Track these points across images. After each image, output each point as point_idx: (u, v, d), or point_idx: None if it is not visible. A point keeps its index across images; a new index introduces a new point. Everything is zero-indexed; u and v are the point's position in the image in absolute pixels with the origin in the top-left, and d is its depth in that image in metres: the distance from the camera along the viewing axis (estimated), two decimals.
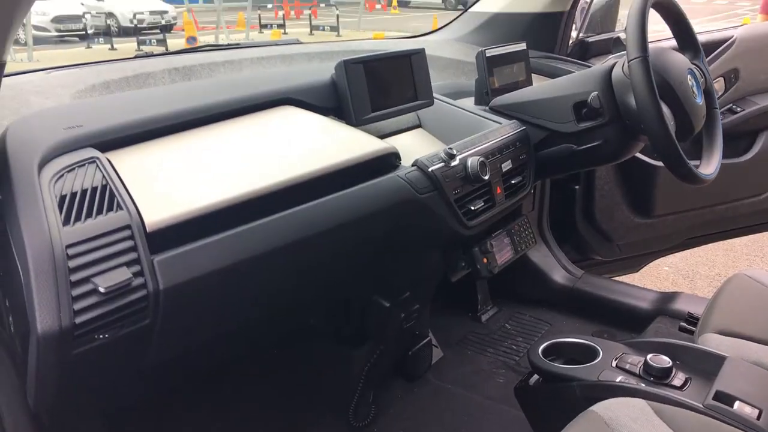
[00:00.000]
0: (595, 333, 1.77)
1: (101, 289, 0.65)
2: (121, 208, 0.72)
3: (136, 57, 1.44)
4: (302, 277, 0.97)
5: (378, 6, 17.22)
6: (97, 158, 0.78)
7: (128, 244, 0.70)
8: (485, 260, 1.27)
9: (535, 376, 1.22)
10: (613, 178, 1.93)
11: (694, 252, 2.87)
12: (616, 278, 2.11)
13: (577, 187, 1.95)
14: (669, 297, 1.74)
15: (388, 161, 1.05)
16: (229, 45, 1.65)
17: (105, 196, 0.73)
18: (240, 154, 0.90)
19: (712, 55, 1.98)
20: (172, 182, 0.80)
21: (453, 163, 1.10)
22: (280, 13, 13.16)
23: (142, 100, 1.02)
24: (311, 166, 0.91)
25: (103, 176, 0.75)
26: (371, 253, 1.07)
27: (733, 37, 2.06)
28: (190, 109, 0.97)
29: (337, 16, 11.88)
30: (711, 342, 1.16)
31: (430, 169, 1.06)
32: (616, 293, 1.81)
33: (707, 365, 1.07)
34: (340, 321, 1.31)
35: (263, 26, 12.17)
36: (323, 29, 12.17)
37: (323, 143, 0.99)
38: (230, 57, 1.45)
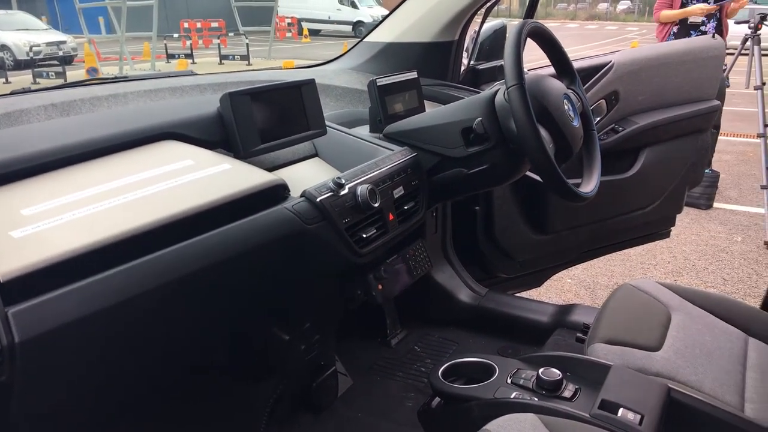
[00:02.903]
0: (500, 349, 1.82)
1: None
2: None
3: (12, 93, 1.37)
4: (188, 316, 0.94)
5: (289, 35, 17.30)
6: None
7: None
8: (380, 287, 1.27)
9: (437, 399, 1.23)
10: (510, 198, 2.00)
11: (594, 263, 3.03)
12: (521, 293, 2.19)
13: (477, 208, 2.01)
14: (566, 309, 1.81)
15: (276, 193, 1.04)
16: (115, 78, 1.60)
17: None
18: (112, 193, 0.86)
19: (593, 79, 2.11)
20: (34, 227, 0.75)
21: (342, 192, 1.10)
22: (189, 42, 12.93)
23: (7, 138, 0.96)
24: (191, 202, 0.89)
25: None
26: (263, 286, 1.05)
27: (611, 62, 2.21)
28: (61, 147, 0.92)
29: (247, 45, 11.83)
30: (599, 352, 1.21)
31: (318, 200, 1.06)
32: (517, 309, 1.87)
33: (595, 375, 1.12)
34: (239, 356, 1.27)
35: (170, 56, 11.91)
36: (233, 58, 12.06)
37: (205, 178, 0.97)
38: (115, 90, 1.40)
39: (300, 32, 18.18)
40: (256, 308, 1.11)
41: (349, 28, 19.78)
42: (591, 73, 2.12)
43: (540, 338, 1.76)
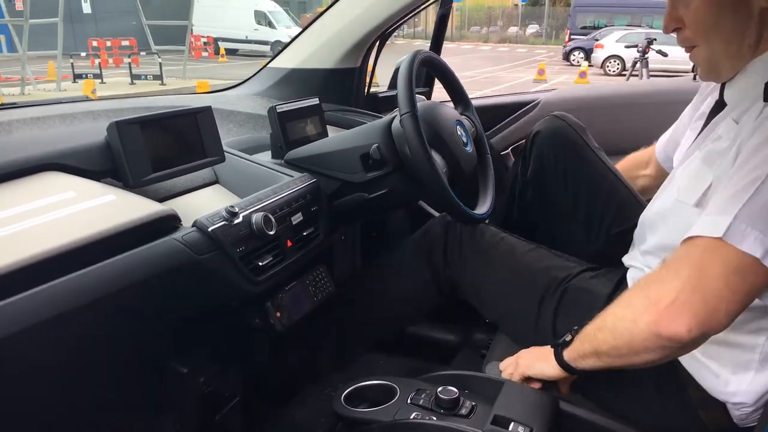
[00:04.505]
0: (411, 369, 1.84)
1: None
2: None
3: None
4: (74, 353, 0.90)
5: (205, 54, 17.01)
6: None
7: None
8: (278, 314, 1.27)
9: (341, 424, 1.23)
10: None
11: None
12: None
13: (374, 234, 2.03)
14: (473, 327, 1.86)
15: (166, 224, 1.02)
16: (2, 105, 1.52)
17: None
18: None
19: (516, 114, 2.20)
20: None
21: (236, 221, 1.09)
22: (98, 61, 12.44)
23: None
24: (69, 236, 0.85)
25: None
26: (155, 319, 1.03)
27: (538, 100, 2.30)
28: None
29: (160, 65, 11.54)
30: (495, 369, 1.25)
31: (210, 229, 1.04)
32: (426, 328, 1.91)
33: (490, 391, 1.15)
34: (132, 392, 1.23)
35: (77, 76, 11.40)
36: (146, 78, 11.71)
37: (87, 210, 0.94)
38: None
39: (217, 52, 17.92)
40: (148, 342, 1.08)
41: (267, 47, 19.68)
42: (516, 108, 2.21)
43: (449, 357, 1.79)
